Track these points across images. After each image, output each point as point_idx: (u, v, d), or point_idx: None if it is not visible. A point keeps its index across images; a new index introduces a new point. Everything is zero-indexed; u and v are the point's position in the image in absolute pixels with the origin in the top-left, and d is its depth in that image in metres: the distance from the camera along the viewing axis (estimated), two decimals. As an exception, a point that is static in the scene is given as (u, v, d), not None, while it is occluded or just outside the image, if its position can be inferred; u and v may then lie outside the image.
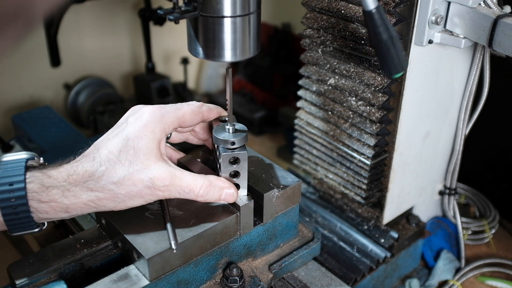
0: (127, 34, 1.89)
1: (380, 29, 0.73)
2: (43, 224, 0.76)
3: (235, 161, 0.82)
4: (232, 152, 0.80)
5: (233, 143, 0.80)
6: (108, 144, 0.75)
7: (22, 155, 0.75)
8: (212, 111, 0.86)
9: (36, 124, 1.33)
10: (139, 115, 0.77)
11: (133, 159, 0.73)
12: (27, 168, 0.73)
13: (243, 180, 0.83)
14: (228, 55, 0.75)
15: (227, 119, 0.85)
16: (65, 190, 0.72)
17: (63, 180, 0.72)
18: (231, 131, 0.81)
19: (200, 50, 0.75)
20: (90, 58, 1.83)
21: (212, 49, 0.75)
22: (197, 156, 0.95)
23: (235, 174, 0.83)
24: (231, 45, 0.74)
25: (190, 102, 0.84)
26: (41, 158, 0.77)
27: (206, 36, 0.74)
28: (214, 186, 0.79)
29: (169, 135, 0.87)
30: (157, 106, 0.79)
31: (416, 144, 1.09)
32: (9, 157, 0.74)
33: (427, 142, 1.12)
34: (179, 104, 0.82)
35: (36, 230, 0.75)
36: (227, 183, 0.81)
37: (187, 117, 0.82)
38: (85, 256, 0.82)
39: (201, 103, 0.85)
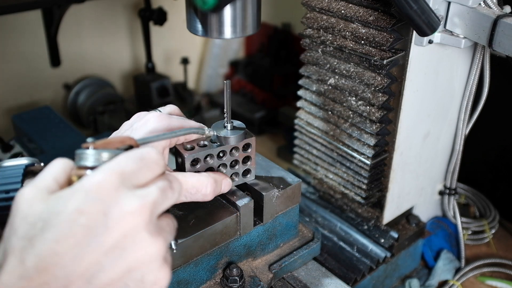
0: (127, 34, 1.89)
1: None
2: None
3: (247, 147, 0.83)
4: (244, 138, 0.81)
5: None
6: None
7: (22, 160, 0.75)
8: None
9: (36, 124, 1.33)
10: (144, 122, 0.78)
11: None
12: (26, 174, 0.72)
13: (253, 165, 0.85)
14: (228, 32, 0.74)
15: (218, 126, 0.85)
16: None
17: None
18: (229, 128, 0.82)
19: (200, 27, 0.73)
20: (90, 58, 1.83)
21: (212, 26, 0.73)
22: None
23: (245, 160, 0.84)
24: (231, 22, 0.73)
25: (192, 122, 0.82)
26: (42, 164, 0.77)
27: (205, 12, 0.72)
28: (217, 182, 0.79)
29: None
30: (162, 113, 0.80)
31: (416, 144, 1.09)
32: (9, 162, 0.74)
33: (427, 142, 1.12)
34: (185, 122, 0.80)
35: None
36: (222, 174, 0.82)
37: (192, 136, 0.81)
38: (85, 256, 0.82)
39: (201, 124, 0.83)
